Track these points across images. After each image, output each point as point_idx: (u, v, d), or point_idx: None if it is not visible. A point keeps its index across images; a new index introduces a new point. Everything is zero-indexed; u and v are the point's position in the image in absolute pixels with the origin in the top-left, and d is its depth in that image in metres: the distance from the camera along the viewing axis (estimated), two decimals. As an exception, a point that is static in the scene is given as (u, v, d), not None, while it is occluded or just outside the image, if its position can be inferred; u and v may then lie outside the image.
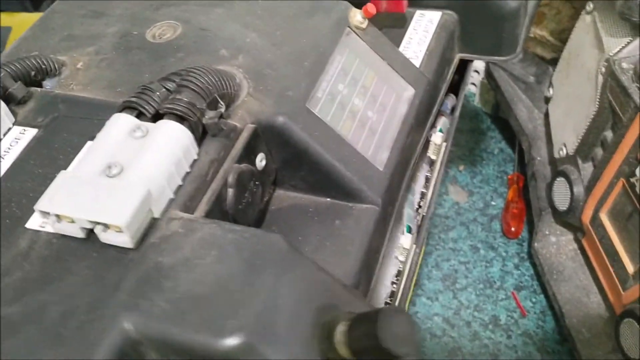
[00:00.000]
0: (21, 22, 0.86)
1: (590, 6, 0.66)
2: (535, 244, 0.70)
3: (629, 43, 0.60)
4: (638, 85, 0.57)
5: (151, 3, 0.44)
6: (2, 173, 0.33)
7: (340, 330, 0.27)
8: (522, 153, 0.81)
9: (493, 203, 0.81)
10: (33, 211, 0.31)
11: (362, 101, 0.40)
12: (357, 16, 0.41)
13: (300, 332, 0.26)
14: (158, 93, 0.33)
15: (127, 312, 0.26)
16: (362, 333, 0.25)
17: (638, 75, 0.58)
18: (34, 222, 0.30)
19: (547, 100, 0.75)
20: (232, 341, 0.25)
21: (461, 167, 0.83)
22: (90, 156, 0.30)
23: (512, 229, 0.77)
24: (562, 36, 0.78)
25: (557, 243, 0.69)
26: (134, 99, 0.32)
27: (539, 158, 0.75)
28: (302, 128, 0.36)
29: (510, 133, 0.83)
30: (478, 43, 0.51)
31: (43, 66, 0.38)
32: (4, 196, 0.32)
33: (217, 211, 0.32)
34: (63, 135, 0.35)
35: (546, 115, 0.76)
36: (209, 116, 0.32)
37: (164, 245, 0.28)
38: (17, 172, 0.33)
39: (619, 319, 0.59)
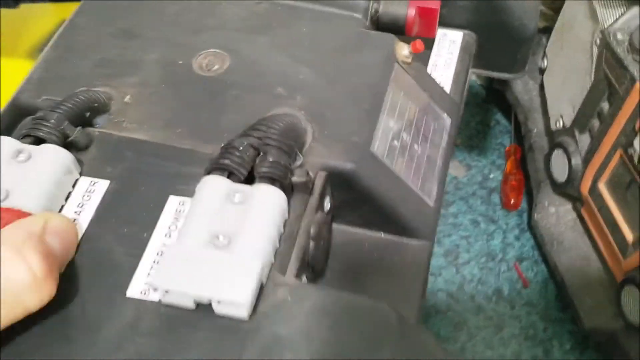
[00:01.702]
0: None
1: (583, -25, 0.67)
2: (535, 215, 0.72)
3: (623, 14, 0.62)
4: (633, 56, 0.59)
5: (186, 26, 0.43)
6: (83, 232, 0.32)
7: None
8: (518, 124, 0.82)
9: (491, 176, 0.83)
10: (129, 278, 0.31)
11: (408, 135, 0.41)
12: (404, 51, 0.42)
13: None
14: (244, 150, 0.33)
15: (257, 389, 0.27)
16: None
17: (633, 46, 0.59)
18: (135, 290, 0.30)
19: (542, 71, 0.77)
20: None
21: (458, 142, 0.85)
22: (193, 224, 0.30)
23: (512, 201, 0.79)
24: (555, 5, 0.78)
25: (556, 213, 0.72)
26: (226, 161, 0.32)
27: (535, 130, 0.77)
28: (369, 173, 0.37)
29: (506, 104, 0.84)
30: (492, 61, 0.53)
31: (95, 104, 0.37)
32: (93, 260, 0.31)
33: (303, 266, 0.33)
34: (140, 188, 0.34)
35: (541, 86, 0.77)
36: (298, 176, 0.33)
37: (276, 315, 0.29)
38: (101, 232, 0.32)
39: (620, 286, 0.63)
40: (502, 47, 0.51)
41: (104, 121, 0.38)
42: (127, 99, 0.39)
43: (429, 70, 0.48)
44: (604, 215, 0.65)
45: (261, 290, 0.30)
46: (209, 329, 0.29)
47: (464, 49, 0.50)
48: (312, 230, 0.34)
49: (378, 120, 0.39)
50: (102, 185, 0.34)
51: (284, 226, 0.33)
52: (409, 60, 0.43)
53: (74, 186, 0.34)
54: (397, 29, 0.46)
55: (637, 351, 0.61)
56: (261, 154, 0.33)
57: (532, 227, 0.75)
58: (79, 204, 0.33)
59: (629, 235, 0.61)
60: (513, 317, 0.72)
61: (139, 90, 0.40)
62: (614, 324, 0.65)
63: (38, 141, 0.34)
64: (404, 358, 0.29)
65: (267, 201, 0.31)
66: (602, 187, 0.65)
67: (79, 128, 0.35)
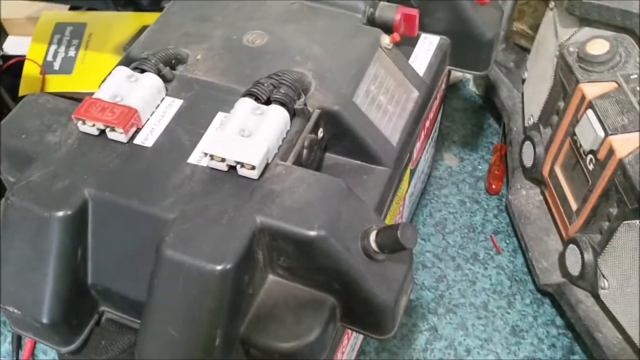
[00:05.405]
0: (94, 19, 1.01)
1: (552, 4, 0.83)
2: (510, 197, 0.87)
3: (575, 32, 0.77)
4: (579, 64, 0.73)
5: (242, 16, 0.63)
6: (165, 127, 0.53)
7: (372, 234, 0.47)
8: (505, 127, 0.98)
9: (480, 167, 0.99)
10: (190, 152, 0.51)
11: (385, 98, 0.60)
12: (385, 40, 0.61)
13: (352, 233, 0.47)
14: (267, 86, 0.53)
15: (257, 214, 0.46)
16: (388, 236, 0.46)
17: (579, 56, 0.73)
18: (193, 159, 0.50)
19: (523, 81, 0.92)
20: (316, 233, 0.45)
21: (455, 139, 1.02)
22: (231, 123, 0.50)
23: (493, 186, 0.95)
24: (536, 28, 0.92)
25: (526, 195, 0.86)
26: (254, 90, 0.52)
27: (515, 129, 0.91)
28: (348, 115, 0.55)
29: (497, 111, 1.01)
30: (462, 60, 0.71)
31: (179, 56, 0.58)
32: (170, 141, 0.52)
33: (298, 163, 0.52)
34: (201, 106, 0.54)
35: (522, 93, 0.92)
36: (298, 104, 0.53)
37: (274, 180, 0.49)
38: (175, 127, 0.53)
39: (565, 246, 0.77)
40: (468, 50, 0.70)
41: (182, 69, 0.59)
42: (198, 57, 0.60)
43: (410, 60, 0.67)
44: (558, 193, 0.79)
45: (267, 166, 0.50)
46: (233, 183, 0.49)
47: (439, 47, 0.69)
48: (305, 143, 0.53)
49: (361, 81, 0.58)
50: (178, 102, 0.55)
51: (287, 134, 0.52)
52: (390, 47, 0.62)
53: (161, 101, 0.55)
54: (388, 27, 0.65)
55: (576, 298, 0.77)
56: (276, 88, 0.53)
57: (506, 206, 0.92)
58: (163, 111, 0.54)
59: (574, 205, 0.77)
60: (485, 275, 0.88)
61: (206, 52, 0.60)
62: (560, 280, 0.81)
63: (142, 72, 0.55)
64: (345, 207, 0.48)
65: (276, 115, 0.51)
66: (558, 169, 0.78)
67: (167, 67, 0.56)
